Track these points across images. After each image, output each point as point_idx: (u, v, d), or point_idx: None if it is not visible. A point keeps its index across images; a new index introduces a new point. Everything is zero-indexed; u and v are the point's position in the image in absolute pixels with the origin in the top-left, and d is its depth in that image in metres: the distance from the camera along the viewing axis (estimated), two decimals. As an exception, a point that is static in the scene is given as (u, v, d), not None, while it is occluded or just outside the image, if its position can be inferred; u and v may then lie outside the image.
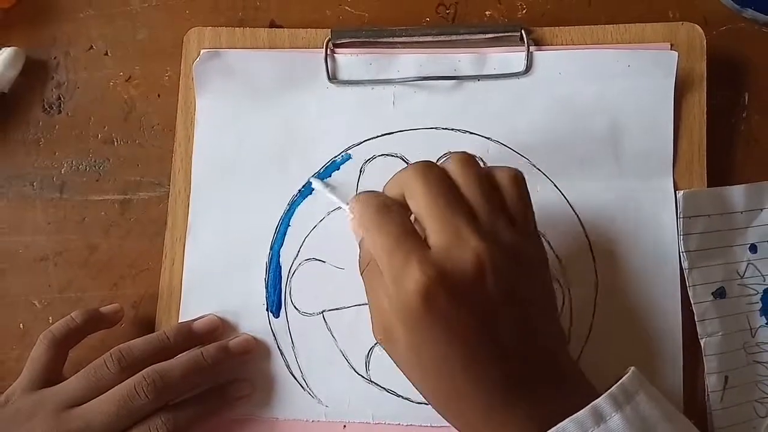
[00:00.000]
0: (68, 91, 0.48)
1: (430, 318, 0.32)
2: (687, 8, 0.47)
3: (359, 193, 0.38)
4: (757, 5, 0.46)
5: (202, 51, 0.46)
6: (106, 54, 0.49)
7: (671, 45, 0.45)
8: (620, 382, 0.33)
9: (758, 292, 0.43)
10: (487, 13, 0.48)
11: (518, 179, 0.37)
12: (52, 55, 0.49)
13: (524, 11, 0.48)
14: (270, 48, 0.47)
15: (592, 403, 0.32)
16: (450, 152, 0.45)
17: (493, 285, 0.33)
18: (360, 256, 0.37)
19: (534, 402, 0.33)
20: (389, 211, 0.35)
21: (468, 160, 0.36)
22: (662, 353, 0.42)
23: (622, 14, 0.47)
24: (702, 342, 0.42)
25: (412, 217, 0.36)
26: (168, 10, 0.49)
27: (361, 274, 0.36)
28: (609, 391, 0.32)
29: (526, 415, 0.33)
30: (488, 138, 0.45)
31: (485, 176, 0.36)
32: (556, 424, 0.31)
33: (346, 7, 0.48)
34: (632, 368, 0.34)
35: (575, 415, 0.31)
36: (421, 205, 0.34)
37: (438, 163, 0.36)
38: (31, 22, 0.49)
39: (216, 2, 0.49)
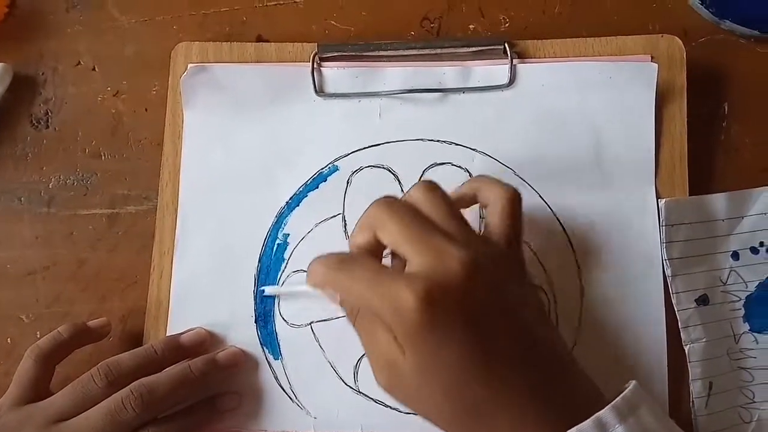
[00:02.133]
0: (56, 106, 0.49)
1: (433, 331, 0.32)
2: (667, 20, 0.48)
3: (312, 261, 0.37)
4: (735, 17, 0.47)
5: (189, 65, 0.47)
6: (94, 69, 0.49)
7: (652, 57, 0.46)
8: (623, 394, 0.33)
9: (741, 299, 0.44)
10: (470, 26, 0.49)
11: (513, 199, 0.38)
12: (40, 71, 0.49)
13: (507, 24, 0.49)
14: (257, 62, 0.47)
15: (596, 414, 0.32)
16: (437, 164, 0.45)
17: (485, 288, 0.33)
18: (346, 315, 0.36)
19: (545, 405, 0.33)
20: (351, 259, 0.35)
21: (430, 186, 0.37)
22: (647, 360, 0.42)
23: (604, 27, 0.48)
24: (686, 348, 0.42)
25: (386, 258, 0.37)
26: (155, 25, 0.49)
27: (355, 327, 0.36)
28: (613, 402, 0.32)
29: (536, 419, 0.33)
30: (474, 149, 0.45)
31: (450, 198, 0.37)
32: (563, 430, 0.32)
33: (332, 22, 0.49)
34: (634, 381, 0.34)
35: (579, 426, 0.32)
36: (395, 234, 0.34)
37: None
38: (18, 38, 0.50)
39: (203, 18, 0.49)
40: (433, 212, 0.36)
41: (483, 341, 0.33)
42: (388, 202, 0.36)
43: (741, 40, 0.48)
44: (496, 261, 0.35)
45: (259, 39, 0.49)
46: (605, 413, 0.32)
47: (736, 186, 0.45)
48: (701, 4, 0.47)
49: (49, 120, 0.48)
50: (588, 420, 0.32)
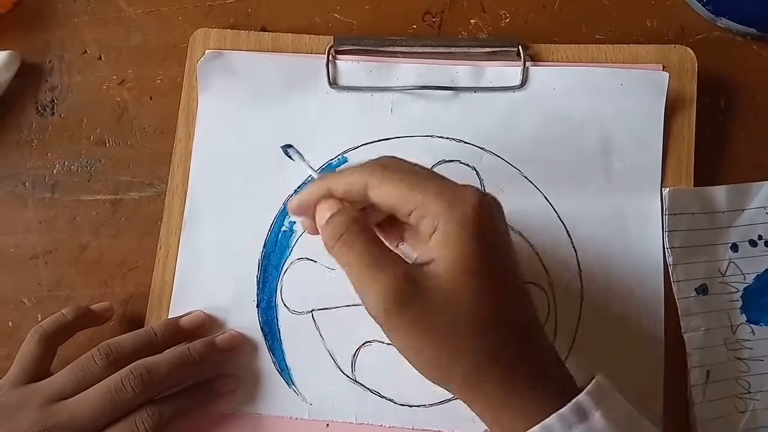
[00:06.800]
0: (62, 93, 0.49)
1: (487, 225, 0.33)
2: (664, 17, 0.49)
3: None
4: (732, 15, 0.48)
5: (207, 51, 0.47)
6: (100, 58, 0.50)
7: (663, 66, 0.46)
8: (596, 380, 0.33)
9: (738, 290, 0.44)
10: (471, 21, 0.49)
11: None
12: (47, 59, 0.50)
13: (508, 20, 0.49)
14: (273, 51, 0.48)
15: (574, 399, 0.32)
16: (445, 161, 0.46)
17: (496, 236, 0.34)
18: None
19: (529, 388, 0.33)
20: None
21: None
22: (645, 363, 0.43)
23: (602, 23, 0.49)
24: (686, 337, 0.43)
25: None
26: (161, 16, 0.50)
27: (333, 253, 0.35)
28: (587, 389, 0.32)
29: (519, 399, 0.32)
30: (482, 148, 0.46)
31: None
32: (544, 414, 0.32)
33: (335, 15, 0.50)
34: (595, 378, 0.34)
35: (560, 411, 0.31)
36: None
37: None
38: (26, 26, 0.50)
39: (208, 9, 0.50)
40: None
41: (508, 266, 0.34)
42: (383, 160, 0.36)
43: (737, 38, 0.48)
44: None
45: (263, 30, 0.49)
46: (583, 398, 0.32)
47: (732, 181, 0.45)
48: (698, 2, 0.48)
49: (55, 107, 0.49)
50: (567, 406, 0.31)
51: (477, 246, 0.32)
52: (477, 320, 0.32)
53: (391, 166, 0.35)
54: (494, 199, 0.35)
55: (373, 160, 0.36)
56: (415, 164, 0.36)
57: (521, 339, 0.33)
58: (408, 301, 0.32)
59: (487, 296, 0.32)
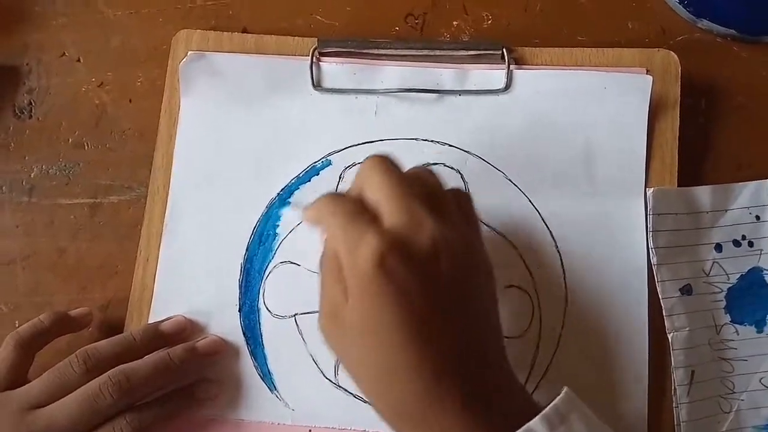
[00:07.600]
0: (39, 96, 0.49)
1: (382, 280, 0.31)
2: (645, 19, 0.49)
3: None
4: (712, 16, 0.48)
5: (189, 52, 0.47)
6: (79, 60, 0.49)
7: (647, 70, 0.46)
8: (553, 403, 0.32)
9: (722, 291, 0.44)
10: (454, 23, 0.49)
11: (468, 198, 0.38)
12: (25, 61, 0.49)
13: (489, 22, 0.49)
14: (257, 53, 0.48)
15: (527, 424, 0.31)
16: (430, 164, 0.45)
17: (446, 268, 0.33)
18: (319, 259, 0.36)
19: (477, 415, 0.32)
20: (341, 197, 0.36)
21: (429, 170, 0.37)
22: (629, 364, 0.42)
23: (583, 26, 0.49)
24: (670, 336, 0.42)
25: None
26: (141, 18, 0.50)
27: (320, 270, 0.36)
28: (543, 412, 0.32)
29: (465, 428, 0.32)
30: (467, 151, 0.46)
31: (444, 186, 0.37)
32: None
33: (317, 16, 0.50)
34: (566, 389, 0.33)
35: None
36: (378, 191, 0.34)
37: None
38: (3, 28, 0.50)
39: (189, 10, 0.50)
40: (427, 181, 0.36)
41: (424, 309, 0.32)
42: (382, 159, 0.35)
43: (718, 39, 0.49)
44: (470, 246, 0.35)
45: (245, 32, 0.49)
46: (535, 423, 0.31)
47: (713, 182, 0.45)
48: (679, 3, 0.48)
49: (33, 110, 0.49)
50: (518, 431, 0.31)
51: (378, 304, 0.32)
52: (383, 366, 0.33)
53: (336, 204, 0.35)
54: (402, 237, 0.32)
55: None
56: (348, 198, 0.35)
57: (462, 365, 0.33)
58: (333, 329, 0.34)
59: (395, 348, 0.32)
